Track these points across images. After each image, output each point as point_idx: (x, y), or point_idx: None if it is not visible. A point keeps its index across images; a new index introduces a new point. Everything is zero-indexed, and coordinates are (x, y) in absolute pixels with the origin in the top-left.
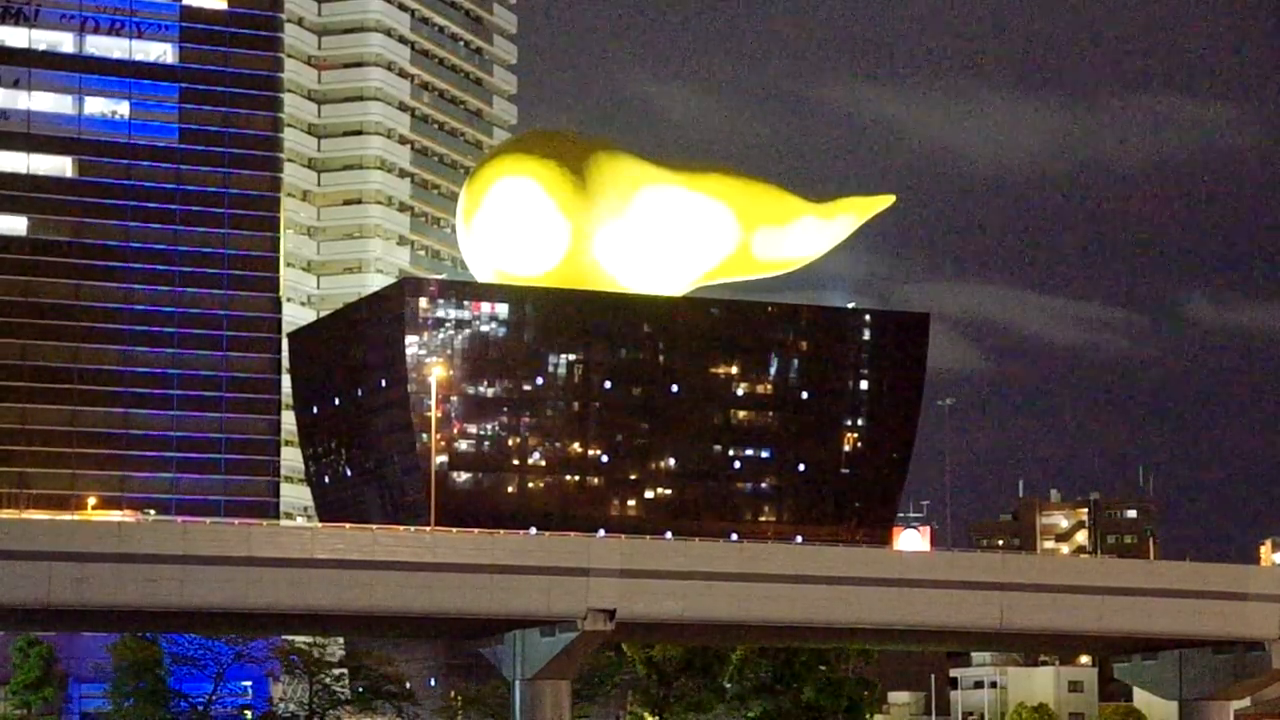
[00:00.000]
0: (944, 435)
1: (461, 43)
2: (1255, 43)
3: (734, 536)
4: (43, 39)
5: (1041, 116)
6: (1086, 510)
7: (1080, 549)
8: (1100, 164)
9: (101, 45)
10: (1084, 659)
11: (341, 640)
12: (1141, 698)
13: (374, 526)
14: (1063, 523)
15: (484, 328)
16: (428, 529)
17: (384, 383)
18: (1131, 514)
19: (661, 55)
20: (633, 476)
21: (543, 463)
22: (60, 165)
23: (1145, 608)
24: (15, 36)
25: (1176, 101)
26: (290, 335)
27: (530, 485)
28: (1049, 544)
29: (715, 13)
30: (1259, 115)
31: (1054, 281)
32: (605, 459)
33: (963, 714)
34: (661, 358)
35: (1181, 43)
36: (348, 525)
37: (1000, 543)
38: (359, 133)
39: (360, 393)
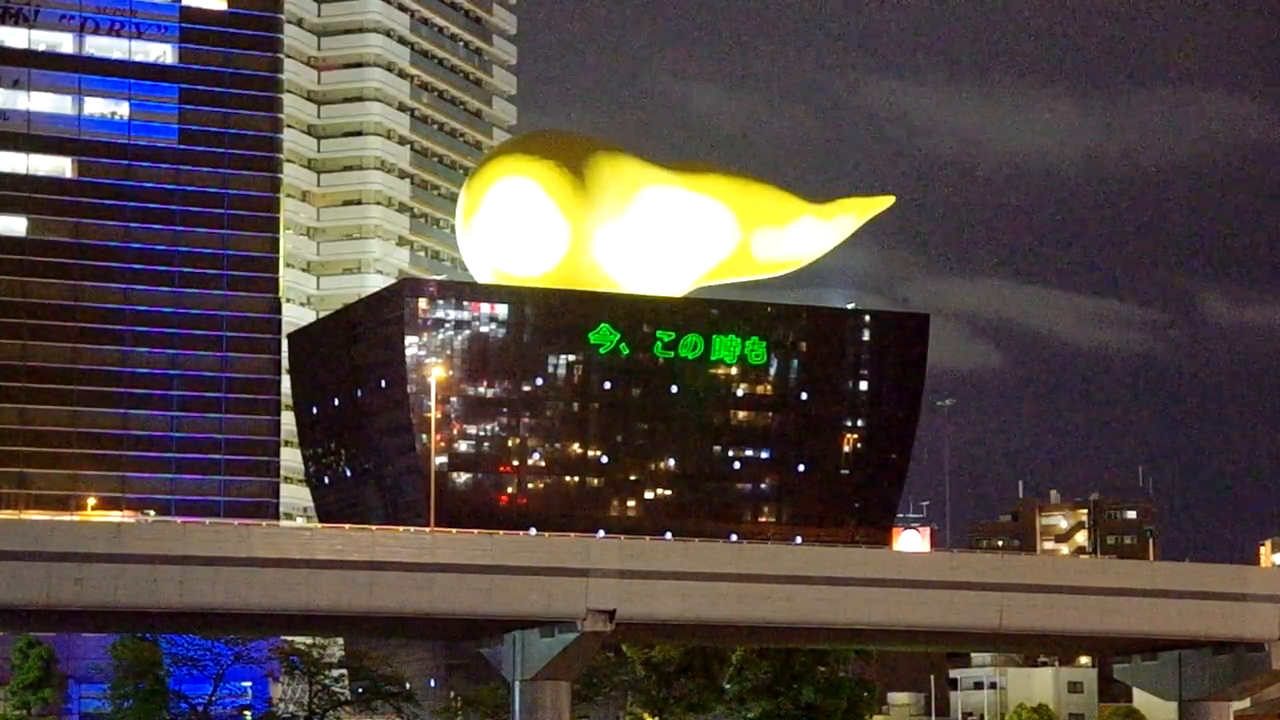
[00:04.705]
0: (944, 435)
1: (461, 43)
2: (1275, 37)
3: (734, 537)
4: (42, 39)
5: (1056, 110)
6: (1086, 511)
7: (1080, 549)
8: (1115, 158)
9: (101, 46)
10: (1084, 659)
11: (341, 640)
12: (1141, 698)
13: (374, 527)
14: (1062, 523)
15: (483, 328)
16: (427, 529)
17: (383, 383)
18: (1131, 514)
19: (661, 54)
20: (632, 477)
21: (542, 463)
22: (60, 165)
23: (1145, 608)
24: (15, 37)
25: (1194, 96)
26: (290, 335)
27: (530, 486)
28: (1049, 544)
29: (717, 9)
30: (1277, 110)
31: (1066, 278)
32: (605, 459)
33: (962, 715)
34: (661, 358)
35: (1199, 36)
36: (347, 525)
37: (1000, 543)
38: (359, 133)
39: (360, 393)
